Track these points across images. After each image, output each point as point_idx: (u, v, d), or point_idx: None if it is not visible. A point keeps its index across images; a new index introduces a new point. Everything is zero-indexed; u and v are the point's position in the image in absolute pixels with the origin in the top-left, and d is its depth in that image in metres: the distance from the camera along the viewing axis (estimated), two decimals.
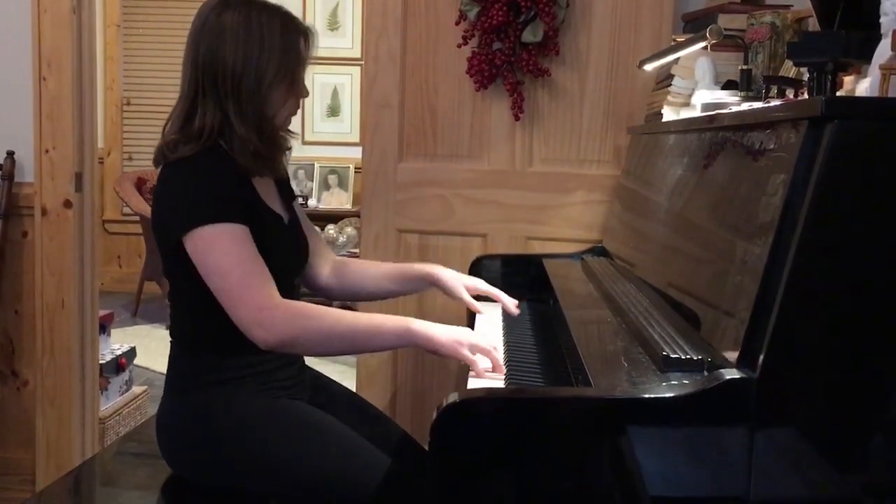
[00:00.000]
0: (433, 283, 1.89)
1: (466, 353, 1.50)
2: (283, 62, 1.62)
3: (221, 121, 1.61)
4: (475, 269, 2.29)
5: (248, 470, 1.60)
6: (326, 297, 2.00)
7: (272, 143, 1.67)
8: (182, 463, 1.68)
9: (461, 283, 1.89)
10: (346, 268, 1.94)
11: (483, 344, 1.53)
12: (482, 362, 1.51)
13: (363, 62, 2.66)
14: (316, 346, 1.56)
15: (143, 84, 6.14)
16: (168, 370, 1.72)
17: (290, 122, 1.75)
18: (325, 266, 1.92)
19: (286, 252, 1.74)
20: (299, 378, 1.77)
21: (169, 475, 1.70)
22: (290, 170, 2.16)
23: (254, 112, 1.62)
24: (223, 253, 1.53)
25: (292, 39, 1.64)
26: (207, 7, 1.64)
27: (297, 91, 1.69)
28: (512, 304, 1.91)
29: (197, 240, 1.54)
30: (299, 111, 1.83)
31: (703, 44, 1.84)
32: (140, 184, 5.58)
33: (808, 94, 1.39)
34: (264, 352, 1.56)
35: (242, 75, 1.60)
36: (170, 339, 1.72)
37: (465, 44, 2.50)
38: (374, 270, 1.95)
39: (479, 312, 1.89)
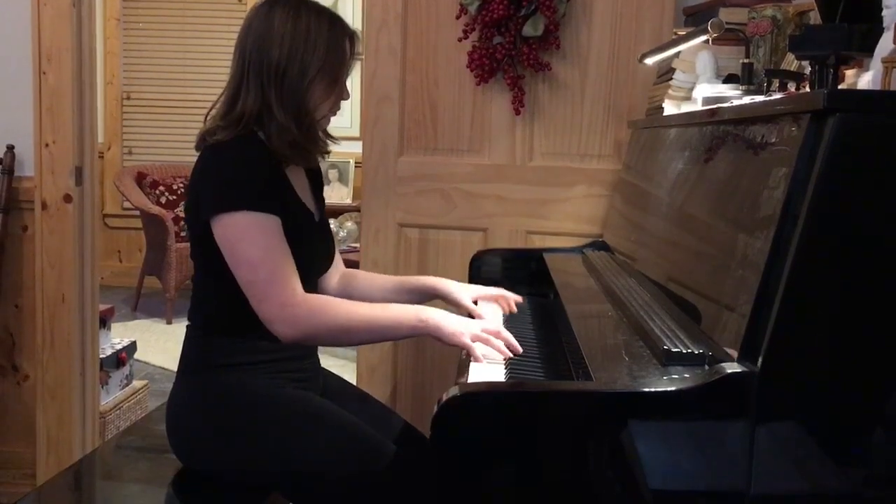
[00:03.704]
0: (436, 295, 1.92)
1: (466, 340, 1.56)
2: (328, 60, 1.66)
3: (261, 107, 1.65)
4: (476, 264, 2.29)
5: (255, 454, 1.61)
6: None
7: (309, 135, 1.70)
8: (189, 449, 1.69)
9: (463, 291, 1.91)
10: (354, 279, 1.98)
11: (484, 334, 1.58)
12: (482, 349, 1.56)
13: (363, 56, 2.65)
14: (335, 340, 1.65)
15: (143, 78, 6.13)
16: (182, 353, 1.74)
17: (328, 122, 1.78)
18: (336, 275, 1.95)
19: (314, 250, 1.76)
20: (312, 372, 1.80)
21: (176, 470, 1.71)
22: None
23: (294, 103, 1.65)
24: (253, 244, 1.56)
25: (338, 39, 1.68)
26: (258, 4, 1.70)
27: (338, 91, 1.72)
28: (514, 299, 1.93)
29: (227, 225, 1.57)
30: None
31: (704, 37, 1.84)
32: (140, 178, 5.58)
33: (810, 87, 1.39)
34: (281, 340, 1.59)
35: (287, 66, 1.64)
36: (187, 322, 1.74)
37: (466, 38, 2.50)
38: (379, 283, 1.98)
39: (481, 318, 1.89)
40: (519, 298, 1.92)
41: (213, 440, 1.65)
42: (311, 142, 1.72)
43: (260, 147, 1.65)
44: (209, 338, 1.69)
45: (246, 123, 1.64)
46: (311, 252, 1.74)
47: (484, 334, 1.58)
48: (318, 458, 1.60)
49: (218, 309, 1.69)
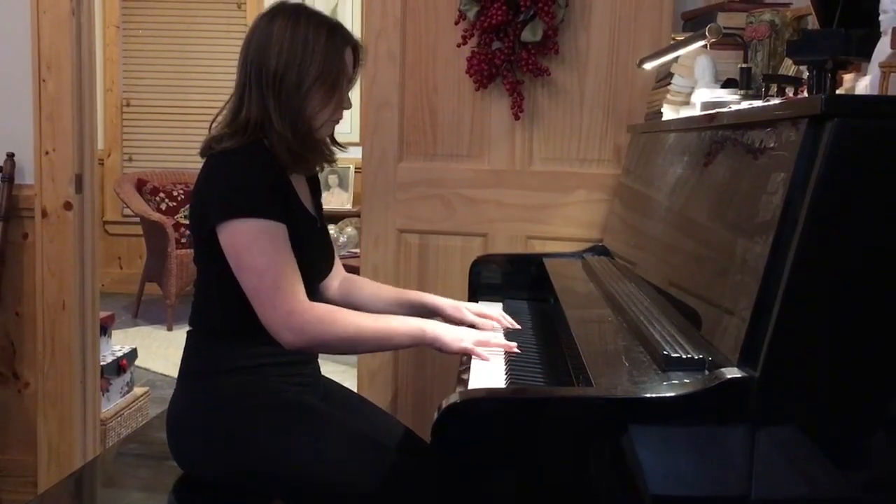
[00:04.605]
0: (434, 312, 1.90)
1: (467, 345, 1.61)
2: (326, 67, 1.67)
3: (262, 115, 1.66)
4: (476, 269, 2.29)
5: (256, 460, 1.61)
6: None
7: (306, 143, 1.70)
8: (189, 455, 1.69)
9: (461, 306, 1.88)
10: (353, 285, 1.98)
11: (482, 338, 1.64)
12: (484, 353, 1.60)
13: (363, 62, 2.65)
14: (339, 349, 1.68)
15: (142, 85, 6.13)
16: (184, 359, 1.74)
17: (331, 130, 1.79)
18: (336, 280, 1.96)
19: (315, 256, 1.77)
20: (313, 378, 1.81)
21: (177, 477, 1.71)
22: None
23: (292, 110, 1.66)
24: (260, 251, 1.57)
25: (337, 48, 1.69)
26: (261, 14, 1.73)
27: (338, 99, 1.72)
28: (513, 325, 1.89)
29: (235, 232, 1.58)
30: None
31: (702, 42, 1.84)
32: (140, 185, 5.58)
33: (808, 92, 1.39)
34: (284, 347, 1.60)
35: (285, 73, 1.65)
36: (188, 328, 1.74)
37: (465, 43, 2.50)
38: (379, 293, 1.98)
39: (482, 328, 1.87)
40: (517, 326, 1.86)
41: (213, 446, 1.65)
42: (309, 150, 1.72)
43: (265, 155, 1.66)
44: (211, 343, 1.70)
45: (252, 131, 1.66)
46: (312, 257, 1.75)
47: (484, 338, 1.62)
48: (318, 464, 1.60)
49: (220, 314, 1.70)
